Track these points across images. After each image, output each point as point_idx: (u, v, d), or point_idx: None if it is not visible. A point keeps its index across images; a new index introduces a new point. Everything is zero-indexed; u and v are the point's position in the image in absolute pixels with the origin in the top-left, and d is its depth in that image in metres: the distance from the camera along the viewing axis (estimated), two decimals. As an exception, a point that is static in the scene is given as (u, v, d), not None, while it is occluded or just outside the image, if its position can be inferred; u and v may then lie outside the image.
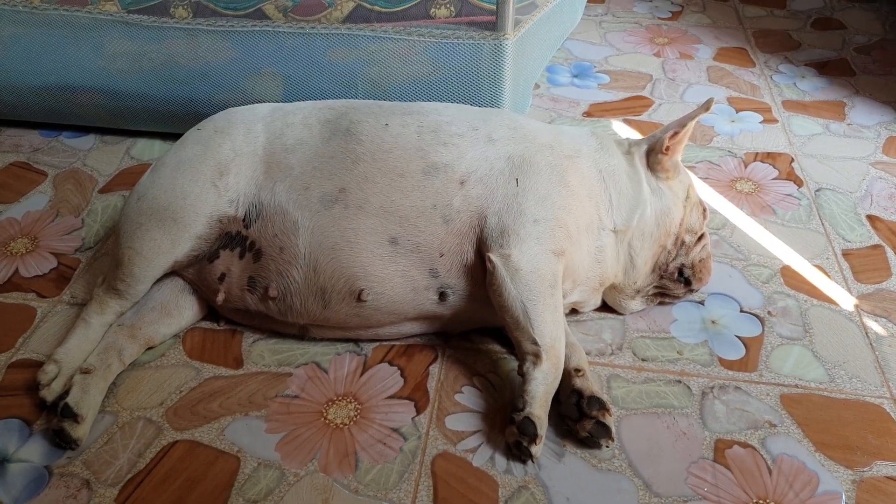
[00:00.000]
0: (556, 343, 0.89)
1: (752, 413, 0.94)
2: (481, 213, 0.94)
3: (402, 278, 0.94)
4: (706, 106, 1.02)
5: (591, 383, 0.91)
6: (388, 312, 0.96)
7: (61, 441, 0.87)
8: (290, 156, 0.99)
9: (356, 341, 1.03)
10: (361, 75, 1.29)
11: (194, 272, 1.02)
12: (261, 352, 1.02)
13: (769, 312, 1.10)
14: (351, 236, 0.93)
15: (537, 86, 1.65)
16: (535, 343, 0.89)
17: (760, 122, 1.54)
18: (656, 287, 1.05)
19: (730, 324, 1.07)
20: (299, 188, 0.96)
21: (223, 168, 0.99)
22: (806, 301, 1.12)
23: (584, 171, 0.99)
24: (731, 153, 1.45)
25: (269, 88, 1.34)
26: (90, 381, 0.91)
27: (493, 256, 0.91)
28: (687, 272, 1.04)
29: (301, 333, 1.01)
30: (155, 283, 1.02)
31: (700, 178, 1.38)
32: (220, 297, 1.00)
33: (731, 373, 1.00)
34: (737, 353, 1.03)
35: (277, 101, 1.18)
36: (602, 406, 0.88)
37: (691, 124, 1.01)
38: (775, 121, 1.55)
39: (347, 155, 0.97)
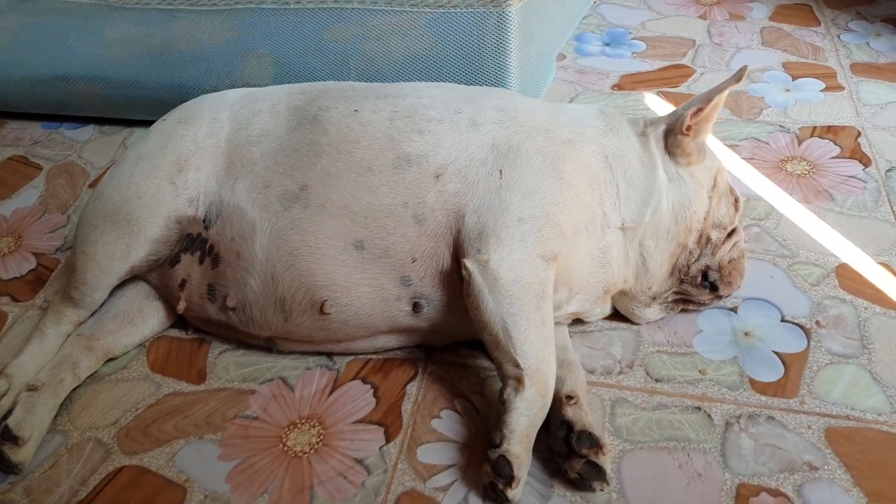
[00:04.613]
0: (542, 365, 0.76)
1: (788, 451, 0.78)
2: (459, 211, 0.80)
3: (370, 287, 0.82)
4: (738, 76, 0.84)
5: (585, 413, 0.77)
6: (357, 326, 0.85)
7: (1, 465, 0.81)
8: (254, 148, 0.88)
9: (329, 354, 0.92)
10: (354, 53, 1.17)
11: (157, 277, 0.93)
12: (226, 365, 0.93)
13: (818, 322, 0.92)
14: (311, 240, 0.82)
15: (563, 56, 1.49)
16: (518, 366, 0.75)
17: (822, 91, 1.33)
18: (676, 293, 0.90)
19: (767, 336, 0.90)
20: (259, 186, 0.86)
21: (182, 163, 0.89)
22: (866, 308, 0.93)
23: (586, 159, 0.84)
24: (784, 128, 1.25)
25: (258, 71, 1.24)
26: (37, 400, 0.84)
27: (468, 263, 0.78)
28: (713, 276, 0.87)
29: (268, 346, 0.92)
30: (118, 289, 0.94)
31: (744, 158, 1.19)
32: (181, 306, 0.91)
33: (764, 398, 0.83)
34: (773, 373, 0.86)
35: (268, 85, 1.08)
36: (594, 443, 0.74)
37: (719, 99, 0.84)
38: (840, 88, 1.33)
39: (312, 147, 0.86)
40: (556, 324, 0.89)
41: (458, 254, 0.80)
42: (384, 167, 0.82)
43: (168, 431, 0.85)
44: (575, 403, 0.78)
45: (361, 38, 1.16)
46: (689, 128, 0.85)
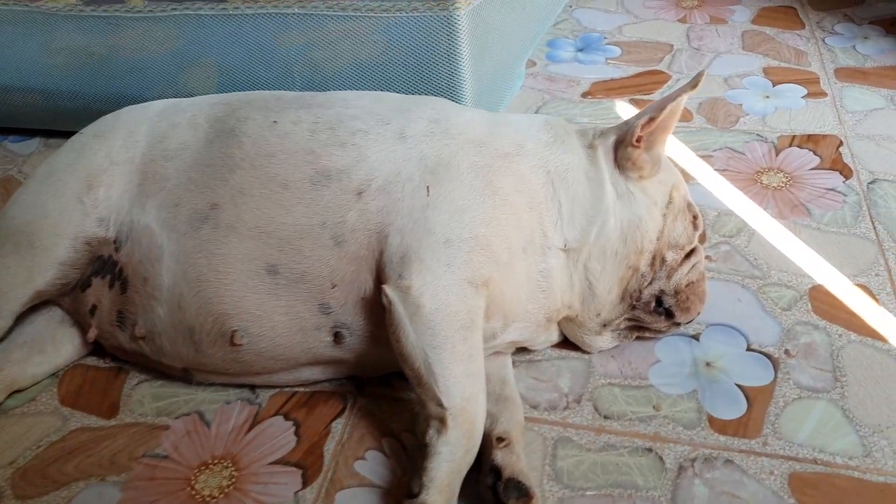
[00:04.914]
0: (468, 405, 0.68)
1: (747, 501, 0.69)
2: (382, 231, 0.73)
3: (285, 316, 0.75)
4: (693, 82, 0.77)
5: (517, 458, 0.69)
6: (272, 358, 0.77)
7: None
8: (169, 164, 0.81)
9: (252, 387, 0.85)
10: (299, 61, 1.10)
11: (70, 302, 0.86)
12: (141, 397, 0.86)
13: (787, 352, 0.83)
14: (219, 264, 0.75)
15: (533, 63, 1.41)
16: (441, 405, 0.68)
17: (803, 97, 1.25)
18: (630, 319, 0.82)
19: (731, 367, 0.82)
20: (170, 204, 0.79)
21: (93, 180, 0.82)
22: (841, 336, 0.85)
23: (526, 174, 0.76)
24: (761, 137, 1.17)
25: (202, 81, 1.17)
26: (-71, 438, 0.77)
27: (388, 289, 0.70)
28: (668, 301, 0.79)
29: (186, 377, 0.84)
30: (28, 314, 0.87)
31: (717, 169, 1.11)
32: (92, 334, 0.84)
33: (723, 439, 0.75)
34: (735, 409, 0.78)
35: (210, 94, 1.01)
36: (523, 493, 0.66)
37: (673, 107, 0.76)
38: (823, 94, 1.25)
39: (226, 162, 0.78)
40: (498, 354, 0.81)
41: (380, 279, 0.72)
42: (301, 183, 0.75)
43: (68, 473, 0.78)
44: (506, 446, 0.70)
45: (306, 46, 1.09)
46: (639, 139, 0.77)
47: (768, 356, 0.83)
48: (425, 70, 1.05)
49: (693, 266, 0.81)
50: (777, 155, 1.13)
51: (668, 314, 0.80)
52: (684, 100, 0.78)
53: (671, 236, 0.79)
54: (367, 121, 0.78)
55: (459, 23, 0.99)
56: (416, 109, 0.80)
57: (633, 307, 0.79)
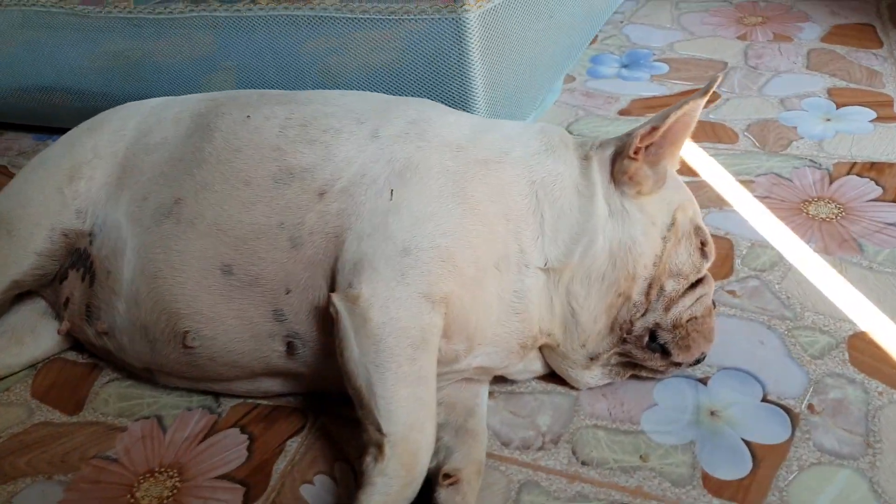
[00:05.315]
0: (411, 433, 0.61)
1: (732, 579, 0.58)
2: (340, 236, 0.67)
3: (238, 321, 0.70)
4: (705, 89, 0.68)
5: (462, 499, 0.61)
6: (226, 364, 0.73)
7: None
8: (147, 158, 0.80)
9: (216, 395, 0.81)
10: (312, 64, 1.07)
11: (50, 294, 0.85)
12: (108, 396, 0.83)
13: (811, 407, 0.71)
14: (176, 261, 0.71)
15: (571, 78, 1.34)
16: (380, 430, 0.61)
17: (871, 121, 1.11)
18: (621, 355, 0.72)
19: (740, 419, 0.71)
20: (139, 198, 0.77)
21: (75, 172, 0.81)
22: (882, 394, 0.72)
23: (505, 183, 0.69)
24: (814, 163, 1.04)
25: (221, 83, 1.17)
26: None
27: (336, 298, 0.64)
28: (663, 336, 0.69)
29: (150, 377, 0.81)
30: (14, 304, 0.87)
31: (757, 196, 0.99)
32: (64, 326, 0.83)
33: (717, 502, 0.64)
34: (737, 468, 0.66)
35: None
36: (459, 541, 0.57)
37: (679, 116, 0.67)
38: (894, 118, 1.10)
39: (195, 156, 0.76)
40: (470, 381, 0.74)
41: (333, 287, 0.67)
42: (264, 181, 0.71)
43: (19, 467, 0.76)
44: (453, 485, 0.62)
45: (320, 49, 1.06)
46: (637, 150, 0.68)
47: (787, 410, 0.71)
48: (436, 75, 1.00)
49: (698, 299, 0.70)
50: (831, 183, 1.00)
51: (664, 352, 0.70)
52: (694, 109, 0.68)
53: (672, 263, 0.69)
54: (343, 119, 0.74)
55: (469, 25, 0.94)
56: (396, 109, 0.75)
57: (624, 340, 0.70)
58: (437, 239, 0.65)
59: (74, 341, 0.89)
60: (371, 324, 0.62)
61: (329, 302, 0.65)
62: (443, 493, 0.61)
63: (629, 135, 0.71)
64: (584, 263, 0.68)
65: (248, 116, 0.76)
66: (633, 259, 0.68)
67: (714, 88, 0.68)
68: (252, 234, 0.70)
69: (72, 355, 0.89)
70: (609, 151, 0.71)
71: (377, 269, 0.64)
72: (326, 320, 0.68)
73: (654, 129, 0.68)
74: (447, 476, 0.62)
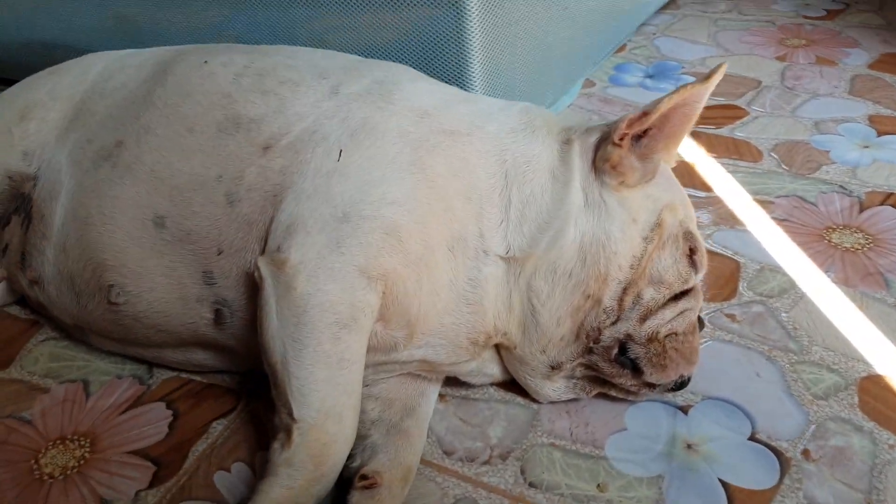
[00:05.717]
0: (326, 422, 0.53)
1: None
2: (279, 195, 0.60)
3: (166, 278, 0.64)
4: (707, 76, 0.60)
5: (379, 507, 0.52)
6: (151, 327, 0.66)
7: None
8: (101, 101, 0.74)
9: (150, 365, 0.74)
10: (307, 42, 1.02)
11: (-3, 241, 0.81)
12: (39, 354, 0.77)
13: (806, 452, 0.60)
14: (108, 207, 0.66)
15: (591, 83, 1.25)
16: (290, 414, 0.53)
17: (915, 153, 1.00)
18: (588, 367, 0.63)
19: (720, 456, 0.61)
20: (84, 140, 0.71)
21: (27, 112, 0.77)
22: (893, 446, 0.61)
23: (471, 158, 0.61)
24: (844, 189, 0.93)
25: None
26: None
27: (261, 262, 0.57)
28: (635, 350, 0.60)
29: (81, 336, 0.75)
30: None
31: (774, 217, 0.89)
32: (1, 274, 0.78)
33: (676, 548, 0.54)
34: (707, 512, 0.56)
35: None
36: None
37: (673, 102, 0.59)
38: (940, 151, 0.99)
39: (145, 99, 0.70)
40: (416, 377, 0.66)
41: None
42: (208, 128, 0.64)
43: (-74, 417, 0.71)
44: (369, 488, 0.53)
45: (316, 28, 1.01)
46: (623, 136, 0.60)
47: (777, 453, 0.61)
48: (434, 59, 0.93)
49: (681, 313, 0.61)
50: (861, 212, 0.89)
51: (635, 368, 0.60)
52: (694, 97, 0.60)
53: (654, 268, 0.60)
54: (304, 73, 0.67)
55: (469, 15, 0.86)
56: (365, 68, 0.68)
57: (591, 351, 0.61)
58: (383, 208, 0.57)
59: (21, 295, 0.84)
60: (294, 293, 0.55)
61: (254, 266, 0.58)
62: (356, 496, 0.53)
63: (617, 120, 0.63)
64: (549, 256, 0.59)
65: (205, 62, 0.70)
66: (606, 257, 0.59)
67: (718, 76, 0.60)
68: (189, 184, 0.63)
69: (15, 310, 0.84)
70: (594, 137, 0.63)
71: (310, 234, 0.56)
72: (255, 289, 0.61)
73: (645, 114, 0.60)
74: (364, 477, 0.54)
